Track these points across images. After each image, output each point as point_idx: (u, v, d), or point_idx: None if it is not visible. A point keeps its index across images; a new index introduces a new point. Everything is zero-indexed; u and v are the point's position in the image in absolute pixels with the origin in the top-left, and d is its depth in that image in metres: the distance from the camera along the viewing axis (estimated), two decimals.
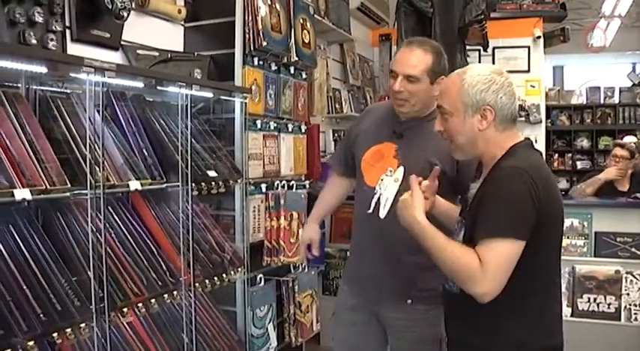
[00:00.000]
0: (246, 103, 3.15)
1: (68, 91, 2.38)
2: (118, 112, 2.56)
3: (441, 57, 2.36)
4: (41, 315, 1.92)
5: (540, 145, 6.60)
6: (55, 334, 1.95)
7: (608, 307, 3.86)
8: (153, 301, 2.42)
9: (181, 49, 3.35)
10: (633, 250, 3.89)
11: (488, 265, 1.62)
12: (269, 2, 3.31)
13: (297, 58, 3.58)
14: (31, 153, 2.03)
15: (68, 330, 1.99)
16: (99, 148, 2.19)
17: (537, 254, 1.69)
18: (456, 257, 1.69)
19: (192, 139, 2.77)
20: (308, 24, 3.76)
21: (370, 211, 2.37)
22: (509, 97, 1.76)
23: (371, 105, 2.49)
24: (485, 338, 1.79)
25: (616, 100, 9.39)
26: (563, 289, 3.93)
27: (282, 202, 3.37)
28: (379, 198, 2.33)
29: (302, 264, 3.62)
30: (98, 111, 2.23)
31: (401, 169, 2.30)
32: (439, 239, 1.74)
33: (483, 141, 1.79)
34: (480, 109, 1.75)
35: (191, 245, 2.68)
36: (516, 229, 1.64)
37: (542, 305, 1.78)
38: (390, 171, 2.35)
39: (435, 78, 2.31)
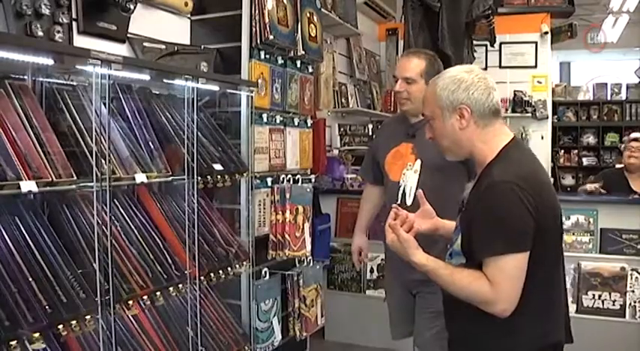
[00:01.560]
0: (252, 96, 3.15)
1: (74, 83, 2.38)
2: (124, 105, 2.56)
3: (434, 62, 2.78)
4: (47, 307, 1.93)
5: (546, 141, 6.59)
6: (60, 326, 1.96)
7: (613, 304, 3.85)
8: (158, 293, 2.42)
9: (188, 42, 3.34)
10: (639, 247, 3.88)
11: (499, 285, 1.65)
12: None
13: (303, 52, 3.57)
14: (37, 145, 2.04)
15: (73, 322, 2.00)
16: (105, 140, 2.19)
17: (536, 256, 1.70)
18: (465, 287, 1.72)
19: (198, 133, 2.77)
20: (315, 18, 3.75)
21: (398, 202, 2.72)
22: (482, 92, 1.77)
23: (385, 120, 2.95)
24: (485, 336, 1.80)
25: (623, 96, 9.34)
26: (568, 286, 3.92)
27: (287, 196, 3.37)
28: (404, 189, 2.78)
29: (307, 258, 3.62)
30: (104, 103, 2.23)
31: (418, 161, 2.75)
32: (443, 274, 1.77)
33: (467, 140, 1.81)
34: (456, 109, 1.78)
35: (196, 238, 2.68)
36: (519, 243, 1.66)
37: (541, 304, 1.78)
38: (410, 165, 2.78)
39: (430, 79, 2.49)
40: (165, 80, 2.70)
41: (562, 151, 9.54)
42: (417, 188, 2.67)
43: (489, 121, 1.79)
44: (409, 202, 2.70)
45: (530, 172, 1.76)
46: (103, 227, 2.15)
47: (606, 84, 9.47)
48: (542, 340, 1.79)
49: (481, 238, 1.70)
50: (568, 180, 9.38)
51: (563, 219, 3.96)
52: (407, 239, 1.83)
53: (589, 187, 4.36)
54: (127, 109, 2.56)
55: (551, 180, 6.68)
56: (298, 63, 3.65)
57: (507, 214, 1.66)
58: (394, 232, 1.84)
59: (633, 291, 3.81)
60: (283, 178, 3.43)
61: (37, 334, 1.87)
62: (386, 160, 2.89)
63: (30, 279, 1.95)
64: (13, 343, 1.81)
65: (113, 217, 2.30)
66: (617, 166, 5.01)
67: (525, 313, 1.72)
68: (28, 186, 1.91)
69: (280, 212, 3.37)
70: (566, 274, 3.85)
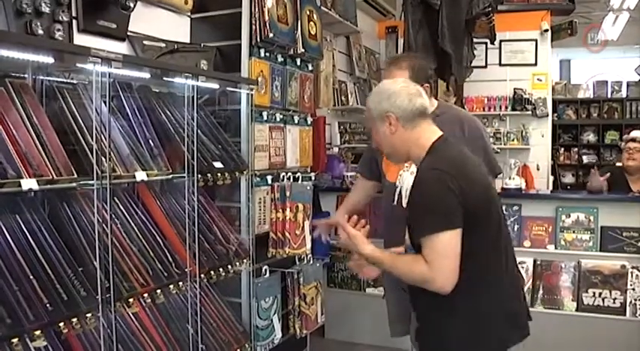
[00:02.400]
0: (252, 94, 3.15)
1: (75, 81, 2.39)
2: (125, 103, 2.56)
3: (416, 69, 2.69)
4: (48, 305, 1.93)
5: (546, 139, 6.59)
6: (61, 324, 1.97)
7: (614, 302, 3.85)
8: (158, 291, 2.42)
9: (188, 41, 3.35)
10: (639, 244, 3.88)
11: (432, 262, 1.82)
12: None
13: (303, 50, 3.57)
14: (38, 143, 2.04)
15: (74, 320, 2.01)
16: (105, 138, 2.19)
17: (471, 235, 1.85)
18: (406, 269, 1.92)
19: (199, 131, 2.77)
20: (314, 16, 3.75)
21: (394, 203, 2.79)
22: (404, 99, 1.97)
23: None
24: (445, 313, 1.94)
25: (623, 94, 9.33)
26: (569, 284, 3.93)
27: (287, 193, 3.37)
28: (400, 190, 2.79)
29: (307, 256, 3.63)
30: (104, 101, 2.23)
31: None
32: (388, 260, 2.00)
33: (400, 142, 2.01)
34: (384, 117, 1.99)
35: (197, 236, 2.68)
36: (446, 220, 1.82)
37: (482, 280, 1.93)
38: (407, 166, 2.73)
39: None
40: (165, 78, 2.70)
41: (562, 149, 9.54)
42: None
43: (416, 123, 1.99)
44: (405, 203, 2.68)
45: (454, 159, 1.96)
46: (104, 225, 2.16)
47: (606, 82, 9.47)
48: (499, 311, 1.96)
49: (415, 222, 1.92)
50: (568, 178, 9.39)
51: (563, 217, 4.00)
52: (355, 235, 2.03)
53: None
54: (127, 107, 2.56)
55: (552, 178, 6.66)
56: (298, 61, 3.65)
57: (434, 196, 1.85)
58: (344, 230, 2.04)
59: (634, 289, 3.81)
60: (283, 176, 3.43)
61: (38, 332, 1.88)
62: (384, 161, 2.90)
63: (31, 277, 1.95)
64: (15, 340, 1.81)
65: (113, 215, 2.30)
66: (618, 164, 5.00)
67: (464, 289, 1.85)
68: (28, 184, 1.91)
69: (280, 210, 3.37)
70: (566, 272, 3.90)
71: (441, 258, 1.81)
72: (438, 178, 1.85)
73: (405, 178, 2.75)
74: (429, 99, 2.58)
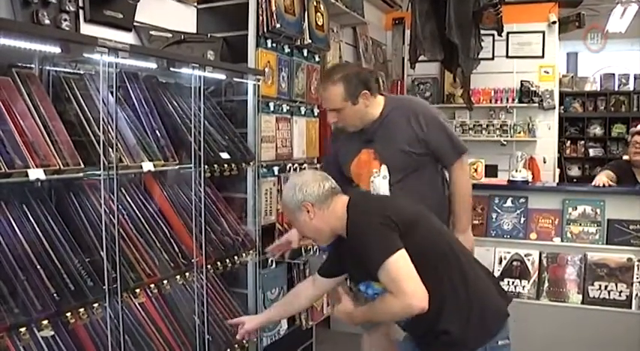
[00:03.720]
0: (259, 85, 3.14)
1: (81, 71, 2.38)
2: (131, 94, 2.56)
3: (350, 80, 2.54)
4: (55, 294, 1.94)
5: (553, 132, 6.56)
6: (68, 314, 1.97)
7: (619, 295, 3.84)
8: (165, 282, 2.43)
9: (194, 31, 3.34)
10: None
11: (395, 287, 1.88)
12: None
13: (310, 41, 3.56)
14: (45, 133, 2.04)
15: (81, 310, 2.02)
16: (112, 129, 2.19)
17: (418, 246, 1.95)
18: (383, 311, 1.99)
19: (205, 121, 2.76)
20: (321, 6, 3.73)
21: None
22: (313, 186, 2.09)
23: (333, 128, 2.74)
24: (435, 324, 1.99)
25: (631, 87, 9.26)
26: (574, 277, 3.92)
27: None
28: None
29: (313, 247, 3.62)
30: (111, 92, 2.22)
31: (384, 167, 2.63)
32: (370, 314, 2.08)
33: (323, 223, 2.11)
34: (301, 207, 2.09)
35: (203, 227, 2.68)
36: (389, 244, 1.91)
37: (454, 280, 2.02)
38: (376, 172, 2.64)
39: (356, 97, 2.56)
40: (171, 69, 2.69)
41: (569, 141, 9.49)
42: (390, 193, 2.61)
43: (330, 202, 2.10)
44: None
45: (368, 197, 2.29)
46: (110, 215, 2.16)
47: (614, 74, 9.40)
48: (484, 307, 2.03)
49: (367, 262, 1.95)
50: (574, 171, 9.34)
51: (570, 209, 3.99)
52: (345, 300, 2.15)
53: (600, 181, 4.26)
54: (133, 98, 2.56)
55: (558, 171, 6.63)
56: (305, 52, 3.64)
57: (369, 231, 1.96)
58: (343, 303, 2.15)
59: None
60: (290, 167, 3.43)
61: (45, 321, 1.89)
62: (352, 171, 2.75)
63: (38, 267, 1.96)
64: (23, 329, 1.83)
65: (120, 206, 2.30)
66: (624, 157, 4.97)
67: (445, 290, 1.97)
68: (35, 174, 1.91)
69: None
70: (572, 265, 3.89)
71: (401, 278, 1.88)
72: (364, 216, 2.01)
73: (379, 184, 2.63)
74: (369, 102, 2.59)
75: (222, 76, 3.00)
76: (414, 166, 2.65)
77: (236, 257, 2.88)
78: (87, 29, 2.58)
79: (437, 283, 1.94)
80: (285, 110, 3.44)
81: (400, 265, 1.89)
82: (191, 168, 2.65)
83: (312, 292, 2.42)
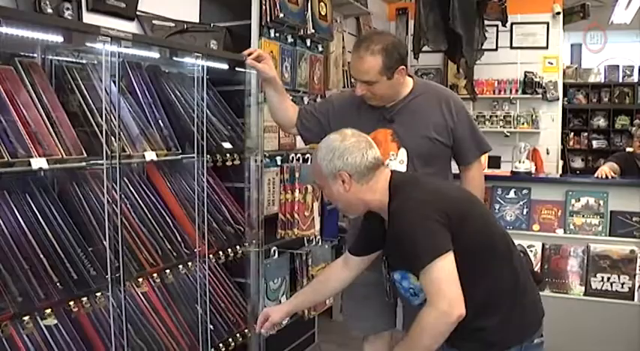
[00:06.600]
0: None
1: (84, 61, 2.38)
2: (134, 83, 2.56)
3: (391, 52, 2.32)
4: (58, 283, 1.95)
5: (556, 123, 6.54)
6: (71, 303, 1.98)
7: (622, 287, 3.84)
8: (168, 271, 2.44)
9: (197, 20, 3.32)
10: None
11: (435, 289, 1.70)
12: None
13: (313, 31, 3.55)
14: (48, 123, 2.04)
15: (84, 299, 2.02)
16: (115, 118, 2.18)
17: (467, 244, 1.79)
18: (423, 335, 1.73)
19: (208, 111, 2.76)
20: None
21: None
22: (355, 156, 1.88)
23: (332, 95, 2.50)
24: (472, 321, 1.81)
25: (635, 79, 9.24)
26: (577, 268, 3.92)
27: (297, 175, 3.36)
28: None
29: (316, 237, 3.62)
30: (114, 81, 2.22)
31: (403, 151, 2.41)
32: (403, 345, 1.83)
33: (356, 198, 1.93)
34: (336, 176, 1.90)
35: (206, 217, 2.68)
36: (439, 245, 1.73)
37: (495, 276, 1.87)
38: (393, 154, 2.43)
39: (392, 72, 2.34)
40: (174, 58, 2.69)
41: (572, 133, 9.48)
42: None
43: (370, 176, 1.91)
44: None
45: (420, 185, 1.94)
46: (113, 205, 2.16)
47: (618, 66, 9.38)
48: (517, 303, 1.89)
49: (411, 258, 1.78)
50: (577, 163, 9.34)
51: (573, 201, 3.98)
52: None
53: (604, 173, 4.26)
54: (136, 87, 2.56)
55: (561, 162, 6.60)
56: (308, 42, 3.62)
57: (420, 223, 1.76)
58: None
59: None
60: (293, 158, 3.42)
61: (48, 310, 1.90)
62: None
63: (41, 255, 1.96)
64: (26, 318, 1.83)
65: (123, 195, 2.30)
66: (628, 149, 4.96)
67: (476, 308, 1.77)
68: (38, 163, 1.91)
69: (289, 191, 3.36)
70: (575, 256, 3.89)
71: (443, 283, 1.70)
72: (415, 205, 1.80)
73: (395, 168, 2.33)
74: (403, 79, 2.38)
75: (224, 66, 2.99)
76: (435, 154, 2.46)
77: (238, 247, 2.88)
78: (89, 18, 2.57)
79: (484, 277, 1.82)
80: None
81: (446, 269, 1.71)
82: (194, 157, 2.65)
83: (345, 273, 2.20)
